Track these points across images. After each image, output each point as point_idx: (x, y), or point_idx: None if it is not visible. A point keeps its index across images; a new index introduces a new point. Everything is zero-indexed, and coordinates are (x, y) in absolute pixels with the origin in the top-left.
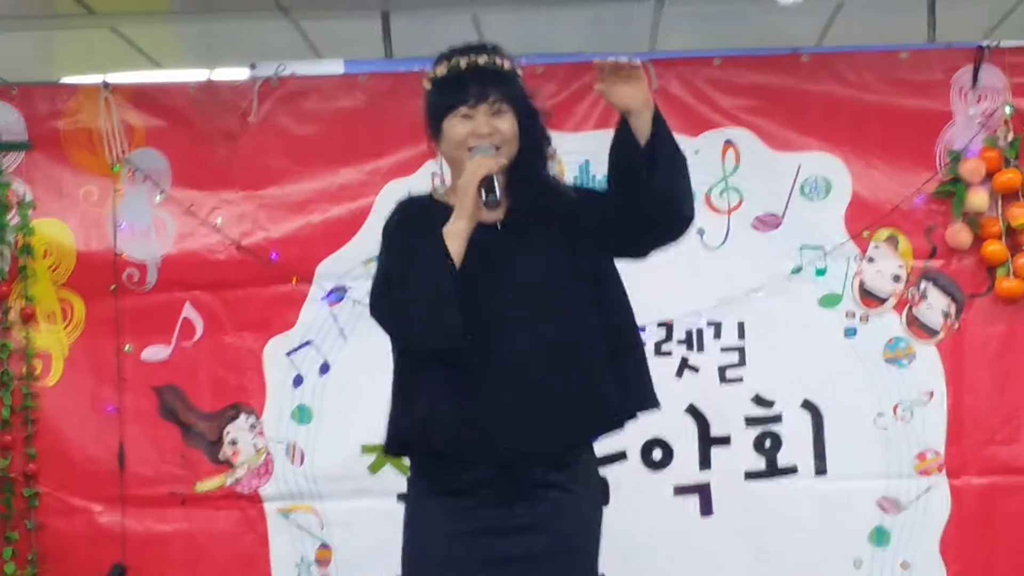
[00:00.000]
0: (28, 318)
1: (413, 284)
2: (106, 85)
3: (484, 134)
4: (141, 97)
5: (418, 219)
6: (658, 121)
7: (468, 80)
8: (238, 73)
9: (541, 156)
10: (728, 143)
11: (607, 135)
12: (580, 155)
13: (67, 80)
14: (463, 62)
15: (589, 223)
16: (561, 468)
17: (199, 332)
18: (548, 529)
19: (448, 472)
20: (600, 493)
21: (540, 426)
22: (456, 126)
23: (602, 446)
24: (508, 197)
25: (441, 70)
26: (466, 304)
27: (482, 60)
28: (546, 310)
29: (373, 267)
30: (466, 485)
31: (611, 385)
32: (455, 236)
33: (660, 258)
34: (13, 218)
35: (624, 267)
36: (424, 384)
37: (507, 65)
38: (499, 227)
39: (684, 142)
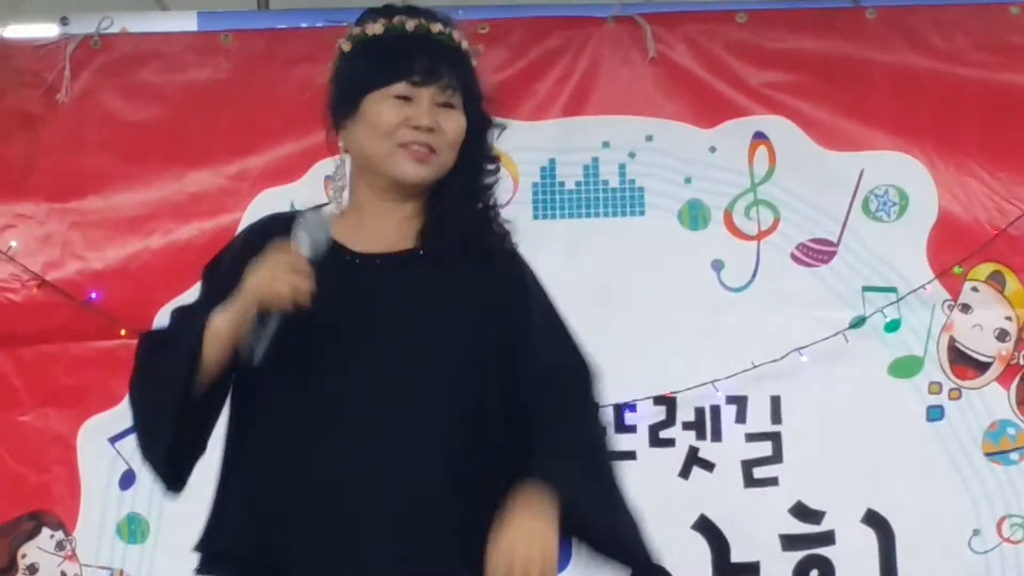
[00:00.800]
0: None
1: (150, 368)
2: None
3: (423, 127)
4: None
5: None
6: None
7: (414, 49)
8: (42, 30)
9: (479, 181)
10: (759, 138)
11: (580, 126)
12: (541, 153)
13: None
14: (410, 24)
15: (499, 334)
16: None
17: None
18: None
19: None
20: None
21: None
22: (386, 108)
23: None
24: (422, 218)
25: (374, 29)
26: (308, 359)
27: (435, 28)
28: (419, 395)
29: None
30: None
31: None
32: (215, 336)
33: (657, 305)
34: None
35: (602, 314)
36: (233, 473)
37: (465, 46)
38: (396, 257)
39: (695, 135)
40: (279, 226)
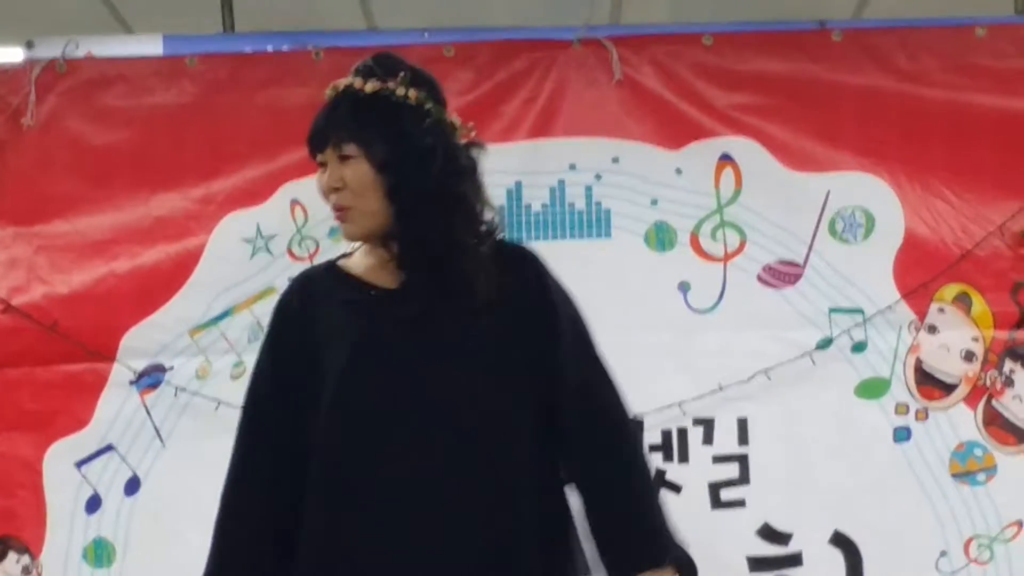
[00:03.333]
0: None
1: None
2: None
3: (331, 189)
4: None
5: (317, 317)
6: None
7: (318, 117)
8: (7, 54)
9: (436, 205)
10: (725, 159)
11: (546, 149)
12: (508, 175)
13: None
14: (338, 87)
15: (517, 349)
16: None
17: None
18: None
19: None
20: None
21: None
22: (317, 178)
23: None
24: (400, 265)
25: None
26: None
27: (343, 85)
28: (457, 435)
29: (202, 339)
30: None
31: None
32: None
33: (624, 326)
34: None
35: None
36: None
37: (371, 87)
38: (399, 295)
39: (661, 157)
40: (309, 278)
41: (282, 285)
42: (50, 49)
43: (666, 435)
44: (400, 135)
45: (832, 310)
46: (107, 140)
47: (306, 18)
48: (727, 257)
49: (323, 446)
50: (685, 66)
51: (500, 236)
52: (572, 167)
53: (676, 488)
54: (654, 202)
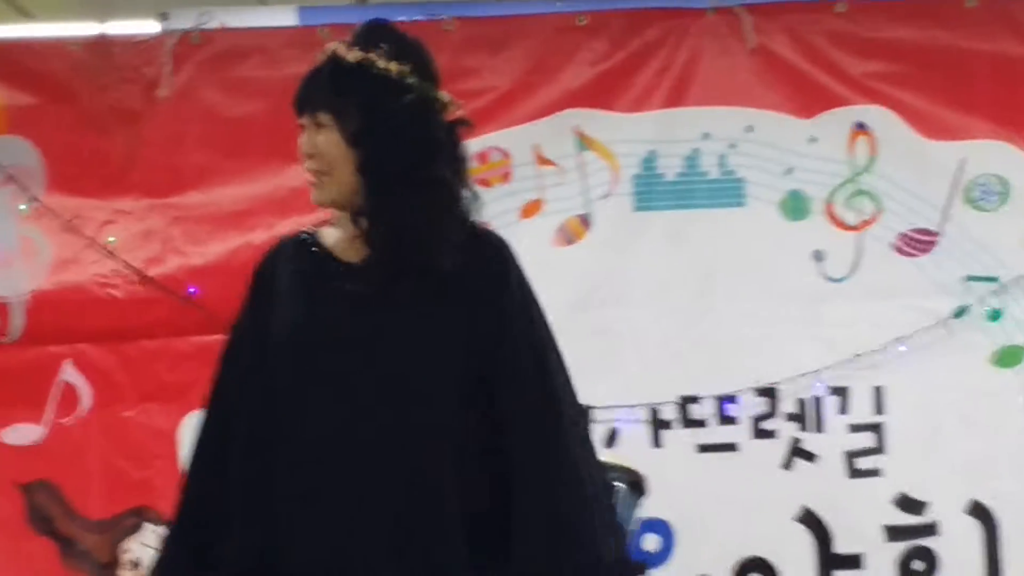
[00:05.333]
0: None
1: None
2: None
3: (305, 155)
4: (0, 61)
5: (276, 284)
6: None
7: (306, 80)
8: (143, 26)
9: (406, 184)
10: (859, 128)
11: (680, 118)
12: (641, 144)
13: None
14: (327, 52)
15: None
16: None
17: (85, 404)
18: None
19: None
20: None
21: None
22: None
23: (674, 570)
24: (367, 242)
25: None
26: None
27: (331, 50)
28: (398, 414)
29: None
30: None
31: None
32: None
33: (759, 295)
34: None
35: (705, 305)
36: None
37: (353, 56)
38: (350, 272)
39: (795, 126)
40: (281, 248)
41: None
42: (184, 21)
43: (801, 404)
44: (375, 108)
45: (967, 278)
46: (241, 111)
47: None
48: (862, 225)
49: (259, 405)
50: (818, 34)
51: (474, 220)
52: (706, 136)
53: (811, 457)
54: (788, 171)
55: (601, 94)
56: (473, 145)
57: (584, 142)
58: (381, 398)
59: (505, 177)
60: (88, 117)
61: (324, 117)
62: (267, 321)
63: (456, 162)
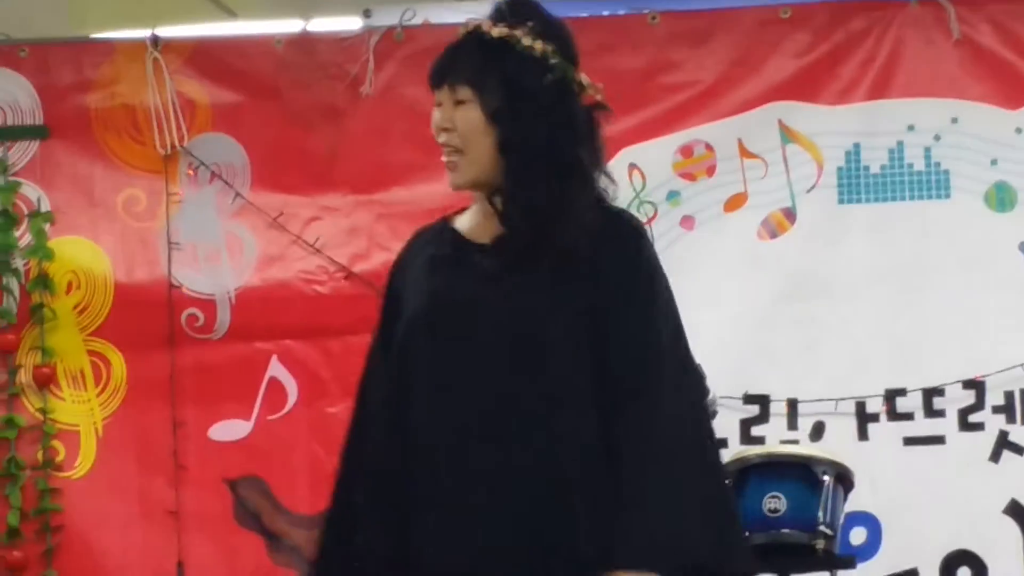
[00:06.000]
0: (45, 381)
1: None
2: (155, 41)
3: (440, 129)
4: (206, 58)
5: (409, 273)
6: None
7: (440, 55)
8: (347, 23)
9: (546, 165)
10: None
11: (885, 110)
12: (845, 137)
13: (99, 36)
14: (468, 26)
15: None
16: None
17: (292, 399)
18: None
19: None
20: None
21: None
22: (432, 116)
23: (882, 562)
24: (501, 220)
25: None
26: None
27: (472, 26)
28: (516, 388)
29: None
30: None
31: (594, 533)
32: None
33: (966, 287)
34: (23, 236)
35: (911, 299)
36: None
37: (497, 32)
38: (483, 251)
39: (1000, 117)
40: (420, 234)
41: None
42: (387, 17)
43: (1008, 396)
44: (518, 86)
45: None
46: None
47: None
48: None
49: (396, 388)
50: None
51: (609, 203)
52: (911, 128)
53: (1020, 450)
54: (994, 162)
55: (805, 86)
56: (677, 139)
57: (788, 135)
58: (511, 367)
59: (710, 171)
60: (292, 114)
61: (464, 92)
62: (397, 311)
63: (593, 146)
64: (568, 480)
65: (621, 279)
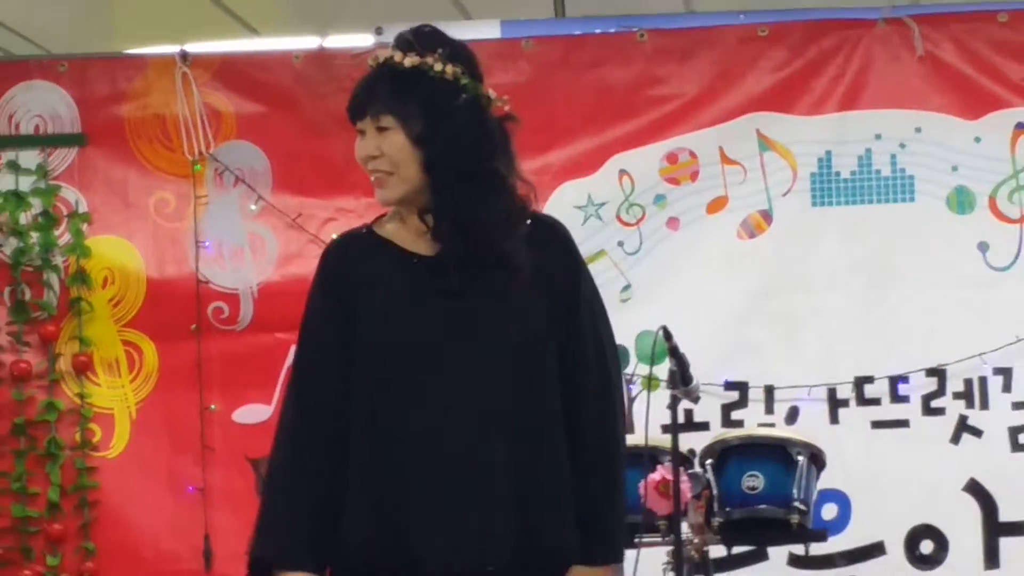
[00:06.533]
0: (82, 368)
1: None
2: (184, 56)
3: (368, 157)
4: (231, 72)
5: (345, 272)
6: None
7: (357, 87)
8: (359, 39)
9: (469, 179)
10: (1020, 128)
11: (854, 120)
12: (818, 145)
13: (132, 52)
14: (379, 58)
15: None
16: None
17: None
18: None
19: None
20: None
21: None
22: (356, 147)
23: (851, 536)
24: (433, 236)
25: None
26: (384, 371)
27: (382, 57)
28: (496, 386)
29: None
30: None
31: (559, 501)
32: None
33: (929, 284)
34: (63, 235)
35: (878, 294)
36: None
37: (409, 62)
38: (426, 265)
39: (960, 127)
40: (343, 242)
41: (611, 249)
42: (396, 34)
43: (968, 383)
44: (436, 110)
45: None
46: None
47: (629, 3)
48: (1023, 219)
49: (365, 387)
50: (982, 42)
51: (531, 208)
52: (878, 137)
53: (977, 432)
54: (954, 168)
55: (781, 99)
56: (664, 147)
57: (765, 143)
58: (495, 373)
59: (693, 176)
60: (310, 123)
61: (387, 120)
62: (351, 316)
63: (508, 156)
64: (554, 470)
65: (567, 284)
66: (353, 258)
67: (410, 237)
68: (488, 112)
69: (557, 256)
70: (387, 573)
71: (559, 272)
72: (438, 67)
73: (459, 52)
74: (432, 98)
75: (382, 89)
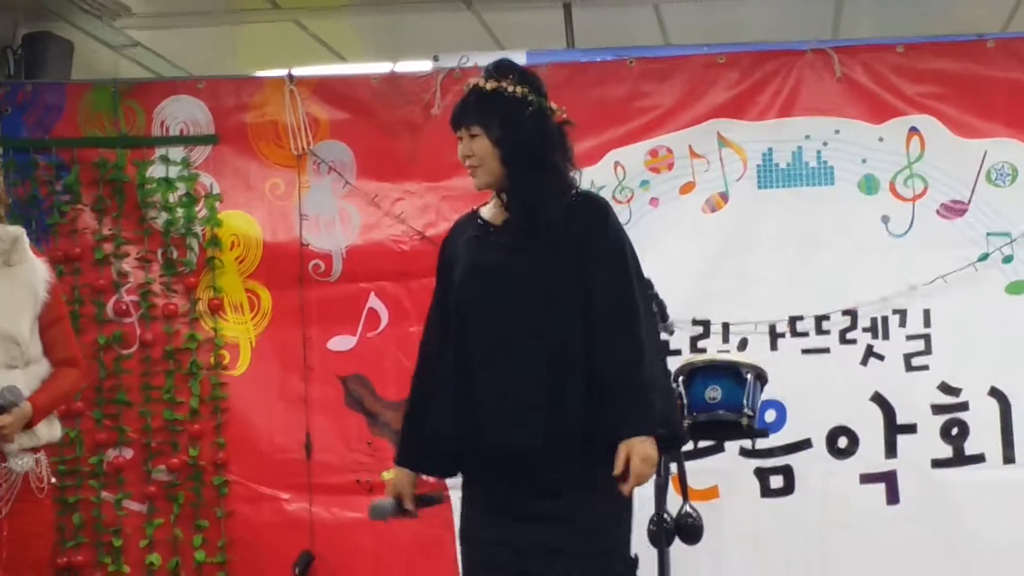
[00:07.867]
0: (216, 309)
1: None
2: (291, 78)
3: (465, 156)
4: (325, 90)
5: (454, 249)
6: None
7: (459, 106)
8: (421, 65)
9: (533, 169)
10: (913, 130)
11: (789, 124)
12: (762, 143)
13: (253, 74)
14: (470, 84)
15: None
16: (566, 470)
17: (384, 322)
18: (561, 523)
19: (473, 466)
20: (619, 502)
21: (512, 423)
22: (458, 147)
23: (786, 434)
24: (507, 209)
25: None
26: (464, 307)
27: (472, 83)
28: (535, 318)
29: None
30: (482, 474)
31: (580, 398)
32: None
33: (845, 246)
34: (201, 210)
35: (807, 254)
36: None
37: (490, 86)
38: (497, 231)
39: (869, 130)
40: (459, 222)
41: None
42: (450, 61)
43: (873, 321)
44: (511, 120)
45: (989, 234)
46: None
47: (622, 38)
48: (915, 198)
49: (454, 321)
50: (885, 67)
51: (580, 189)
52: (807, 137)
53: (880, 357)
54: (864, 160)
55: (735, 108)
56: (647, 144)
57: (723, 142)
58: (531, 304)
59: (670, 167)
60: (384, 127)
61: (476, 129)
62: (451, 270)
63: (565, 150)
64: (575, 375)
65: (596, 241)
66: (458, 232)
67: (495, 213)
68: (550, 119)
69: (589, 218)
70: (467, 453)
71: (590, 229)
72: (511, 88)
73: (527, 77)
74: (507, 111)
75: (472, 106)
